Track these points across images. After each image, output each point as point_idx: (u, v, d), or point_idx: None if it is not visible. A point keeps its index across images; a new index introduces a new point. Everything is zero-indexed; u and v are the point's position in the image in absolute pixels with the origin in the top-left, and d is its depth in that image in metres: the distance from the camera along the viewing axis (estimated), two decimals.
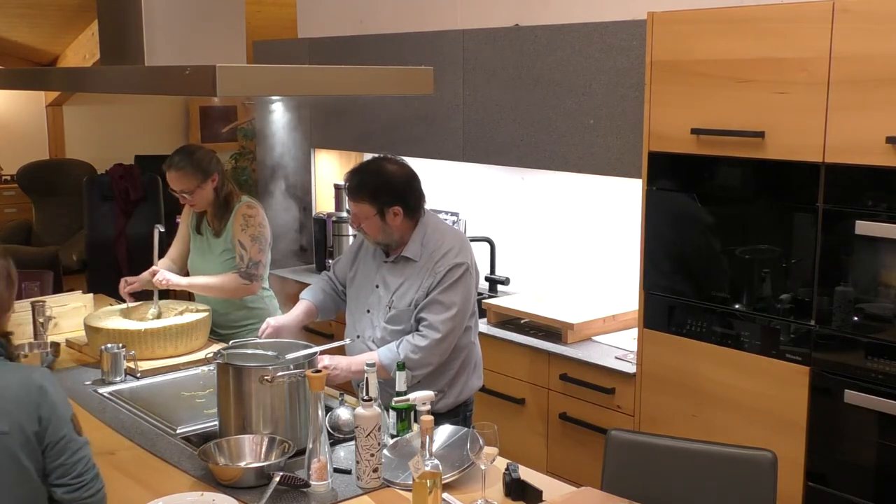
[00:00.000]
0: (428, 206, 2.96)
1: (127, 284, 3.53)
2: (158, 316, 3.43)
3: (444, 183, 4.53)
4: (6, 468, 1.94)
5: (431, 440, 2.16)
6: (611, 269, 3.83)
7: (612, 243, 3.83)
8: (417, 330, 2.83)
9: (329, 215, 4.75)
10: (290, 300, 4.74)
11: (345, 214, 4.68)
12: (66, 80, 3.50)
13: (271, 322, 3.01)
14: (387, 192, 2.80)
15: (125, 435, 2.61)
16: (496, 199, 4.36)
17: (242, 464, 2.35)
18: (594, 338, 3.53)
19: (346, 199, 4.70)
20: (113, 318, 3.36)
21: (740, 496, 2.30)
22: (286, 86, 2.41)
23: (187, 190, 3.48)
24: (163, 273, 3.46)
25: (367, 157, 4.29)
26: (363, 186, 2.81)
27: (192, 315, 3.38)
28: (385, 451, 2.37)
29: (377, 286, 2.93)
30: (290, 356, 2.57)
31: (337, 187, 4.83)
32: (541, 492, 2.21)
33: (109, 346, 3.06)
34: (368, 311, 2.95)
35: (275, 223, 3.95)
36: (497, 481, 2.26)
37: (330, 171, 5.09)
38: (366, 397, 2.27)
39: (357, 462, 2.28)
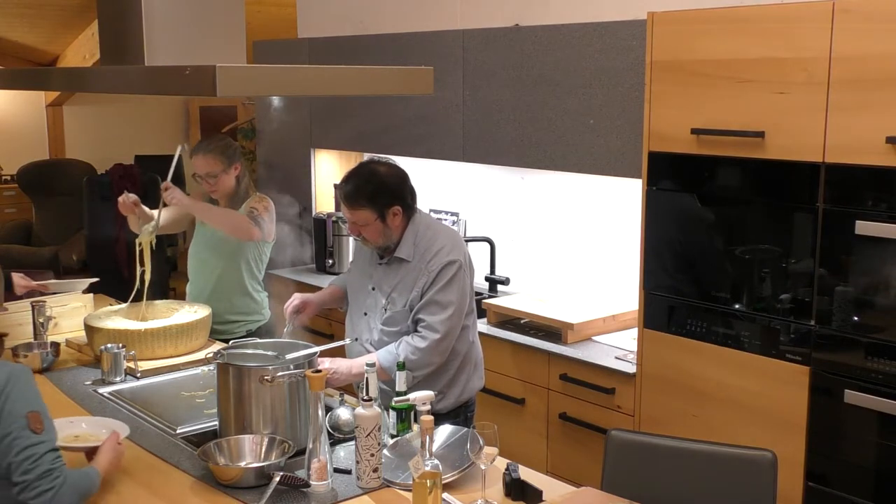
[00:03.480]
0: (427, 206, 2.96)
1: (128, 197, 3.53)
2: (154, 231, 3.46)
3: (444, 183, 4.53)
4: None
5: (431, 440, 2.16)
6: (611, 269, 3.83)
7: (612, 243, 3.83)
8: (416, 331, 2.83)
9: (329, 215, 4.75)
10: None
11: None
12: (66, 80, 3.50)
13: (298, 295, 3.04)
14: (384, 193, 2.80)
15: (125, 435, 2.60)
16: (496, 199, 4.35)
17: (242, 464, 2.35)
18: (594, 338, 3.53)
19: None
20: (113, 318, 3.36)
21: (740, 496, 2.30)
22: (286, 86, 2.41)
23: (213, 174, 3.58)
24: (175, 191, 3.43)
25: (367, 157, 4.30)
26: (360, 192, 2.80)
27: (191, 315, 3.38)
28: (385, 451, 2.37)
29: (372, 288, 2.93)
30: (290, 356, 2.57)
31: (337, 186, 4.83)
32: (541, 492, 2.21)
33: (109, 346, 3.06)
34: (366, 314, 2.95)
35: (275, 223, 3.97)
36: (497, 481, 2.26)
37: (330, 171, 5.09)
38: (366, 397, 2.27)
39: (357, 462, 2.28)
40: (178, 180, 3.65)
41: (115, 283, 3.71)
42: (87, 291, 3.78)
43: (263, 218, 3.55)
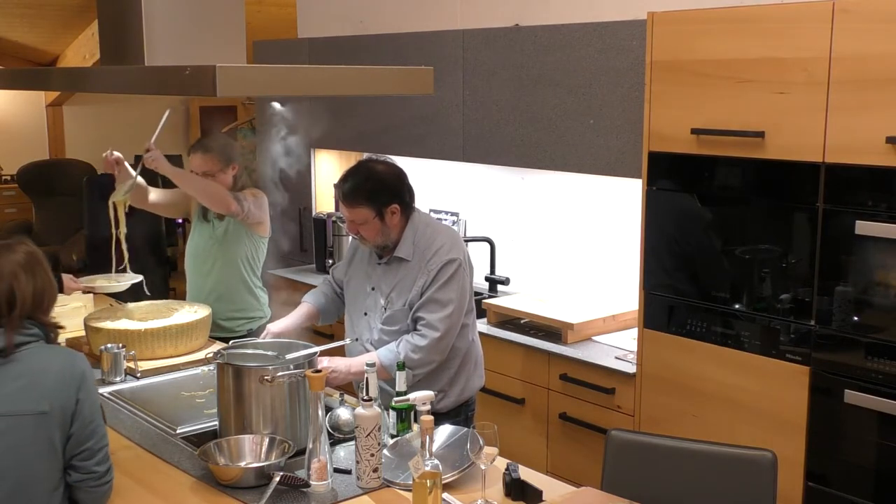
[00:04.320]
0: (427, 206, 2.96)
1: (111, 154, 3.57)
2: (128, 191, 3.50)
3: (444, 183, 4.53)
4: (41, 446, 2.01)
5: (431, 440, 2.16)
6: (611, 269, 3.83)
7: (612, 243, 3.83)
8: (416, 329, 2.83)
9: (329, 215, 4.75)
10: (289, 301, 4.75)
11: None
12: (66, 80, 3.50)
13: (272, 329, 3.03)
14: (382, 191, 2.81)
15: (125, 435, 2.61)
16: (496, 199, 4.35)
17: (242, 464, 2.35)
18: (594, 338, 3.53)
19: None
20: (113, 318, 3.36)
21: (740, 496, 2.30)
22: (286, 86, 2.41)
23: (210, 172, 3.60)
24: (157, 153, 3.43)
25: (366, 156, 4.30)
26: (358, 190, 2.81)
27: (191, 315, 3.38)
28: (385, 451, 2.37)
29: (372, 289, 2.93)
30: (290, 356, 2.57)
31: (336, 186, 4.82)
32: (541, 492, 2.21)
33: (109, 346, 3.06)
34: (366, 314, 2.95)
35: (274, 222, 3.98)
36: (497, 481, 2.26)
37: (330, 171, 5.09)
38: (366, 397, 2.27)
39: (357, 462, 2.28)
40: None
41: None
42: (133, 288, 3.80)
43: (248, 200, 3.56)
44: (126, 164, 3.58)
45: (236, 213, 3.55)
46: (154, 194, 3.77)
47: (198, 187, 3.53)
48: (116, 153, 3.58)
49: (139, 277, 3.69)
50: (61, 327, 2.22)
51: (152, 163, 3.44)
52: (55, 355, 2.08)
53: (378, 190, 2.80)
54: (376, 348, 2.86)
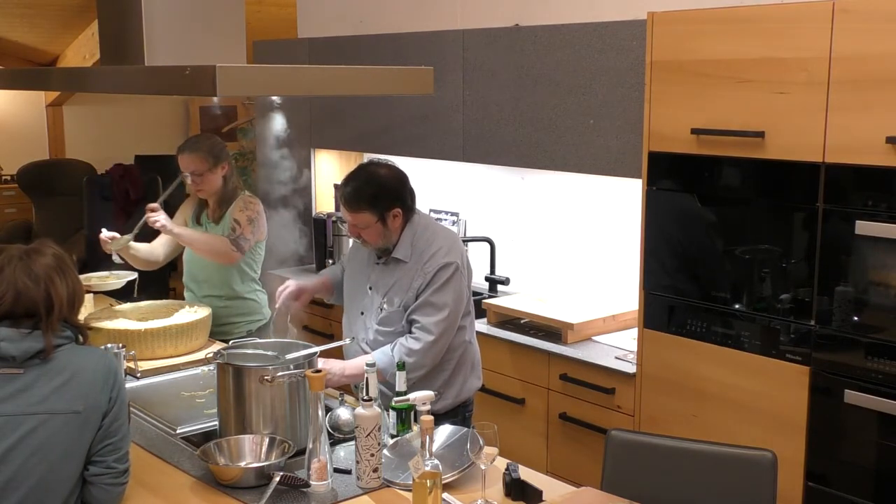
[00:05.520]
0: (427, 206, 2.96)
1: (108, 233, 3.60)
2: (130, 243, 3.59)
3: (444, 183, 4.53)
4: (71, 446, 2.02)
5: (431, 440, 2.16)
6: (611, 269, 3.83)
7: (612, 243, 3.83)
8: (410, 332, 2.82)
9: (329, 215, 4.75)
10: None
11: None
12: (66, 80, 3.51)
13: (293, 281, 3.07)
14: (384, 195, 2.80)
15: None
16: (496, 199, 4.36)
17: (242, 464, 2.35)
18: (594, 338, 3.53)
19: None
20: (113, 318, 3.36)
21: (740, 496, 2.30)
22: (286, 86, 2.41)
23: (198, 171, 3.57)
24: (160, 215, 3.48)
25: (367, 157, 4.31)
26: (360, 195, 2.79)
27: (191, 315, 3.38)
28: (385, 451, 2.37)
29: (370, 288, 2.93)
30: (290, 356, 2.57)
31: (337, 187, 4.82)
32: (541, 492, 2.21)
33: (109, 346, 3.05)
34: (362, 314, 2.95)
35: (274, 223, 3.97)
36: (497, 481, 2.26)
37: (330, 171, 5.09)
38: (366, 397, 2.27)
39: (357, 462, 2.28)
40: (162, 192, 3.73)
41: None
42: (127, 288, 3.80)
43: (246, 236, 3.55)
44: (119, 236, 3.60)
45: (237, 259, 3.58)
46: (146, 251, 3.76)
47: (201, 247, 3.57)
48: (108, 233, 3.60)
49: (134, 275, 3.69)
50: (90, 328, 2.23)
51: (154, 224, 3.48)
52: (89, 355, 2.11)
53: (380, 194, 2.79)
54: (372, 348, 2.86)
